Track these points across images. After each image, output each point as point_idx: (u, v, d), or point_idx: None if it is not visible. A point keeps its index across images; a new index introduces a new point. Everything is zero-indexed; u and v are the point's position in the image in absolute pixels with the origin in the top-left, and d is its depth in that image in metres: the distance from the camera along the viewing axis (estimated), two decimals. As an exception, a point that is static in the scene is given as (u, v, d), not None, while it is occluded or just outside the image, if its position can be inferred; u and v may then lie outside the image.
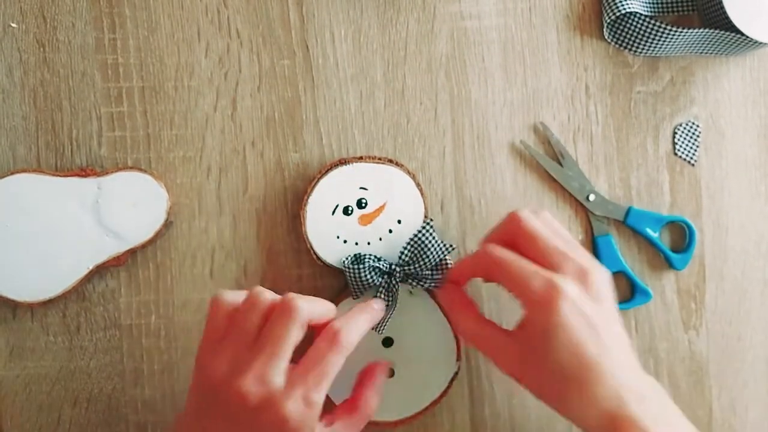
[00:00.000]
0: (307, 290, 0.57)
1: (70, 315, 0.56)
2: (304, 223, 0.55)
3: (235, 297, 0.49)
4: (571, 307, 0.46)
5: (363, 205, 0.56)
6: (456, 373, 0.56)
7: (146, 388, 0.57)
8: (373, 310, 0.52)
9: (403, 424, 0.56)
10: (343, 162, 0.56)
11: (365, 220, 0.56)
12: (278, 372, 0.45)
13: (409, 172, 0.56)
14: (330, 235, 0.55)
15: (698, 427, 0.59)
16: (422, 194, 0.56)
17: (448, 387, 0.56)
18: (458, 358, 0.56)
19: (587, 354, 0.46)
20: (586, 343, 0.46)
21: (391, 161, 0.56)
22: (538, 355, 0.47)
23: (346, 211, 0.55)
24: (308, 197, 0.55)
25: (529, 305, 0.47)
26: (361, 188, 0.56)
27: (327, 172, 0.55)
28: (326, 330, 0.48)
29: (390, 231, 0.56)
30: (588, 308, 0.46)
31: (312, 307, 0.48)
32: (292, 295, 0.47)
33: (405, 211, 0.56)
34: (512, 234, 0.50)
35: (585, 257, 0.49)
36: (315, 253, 0.55)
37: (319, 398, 0.46)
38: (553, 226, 0.50)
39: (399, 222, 0.56)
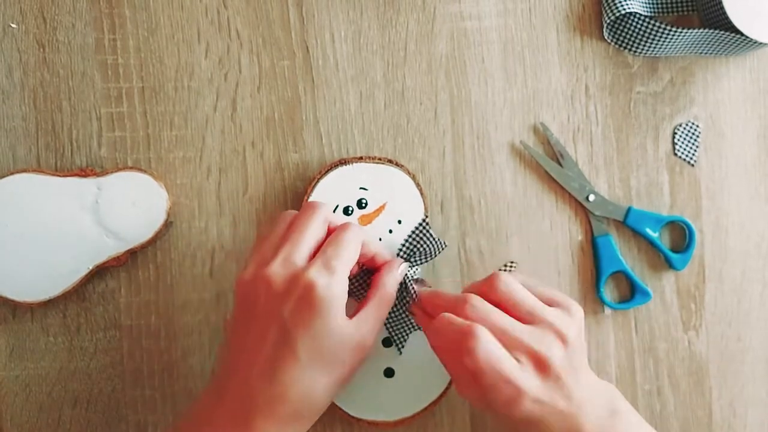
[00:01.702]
0: (307, 290, 0.57)
1: (70, 315, 0.56)
2: (304, 223, 0.55)
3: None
4: (533, 404, 0.45)
5: (363, 205, 0.56)
6: (456, 374, 0.56)
7: (146, 388, 0.57)
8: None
9: (403, 424, 0.56)
10: (343, 162, 0.56)
11: (365, 220, 0.56)
12: (301, 256, 0.47)
13: (409, 173, 0.56)
14: (330, 236, 0.55)
15: (698, 427, 0.59)
16: (422, 194, 0.56)
17: (448, 387, 0.56)
18: (458, 359, 0.56)
19: None
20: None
21: (391, 161, 0.56)
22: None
23: (346, 211, 0.55)
24: (308, 197, 0.55)
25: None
26: (361, 188, 0.56)
27: (327, 172, 0.55)
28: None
29: (390, 231, 0.56)
30: (547, 395, 0.46)
31: (331, 211, 0.51)
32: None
33: (405, 212, 0.56)
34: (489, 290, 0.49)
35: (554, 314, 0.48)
36: (315, 254, 0.55)
37: (339, 264, 0.47)
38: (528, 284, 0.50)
39: (399, 222, 0.56)
